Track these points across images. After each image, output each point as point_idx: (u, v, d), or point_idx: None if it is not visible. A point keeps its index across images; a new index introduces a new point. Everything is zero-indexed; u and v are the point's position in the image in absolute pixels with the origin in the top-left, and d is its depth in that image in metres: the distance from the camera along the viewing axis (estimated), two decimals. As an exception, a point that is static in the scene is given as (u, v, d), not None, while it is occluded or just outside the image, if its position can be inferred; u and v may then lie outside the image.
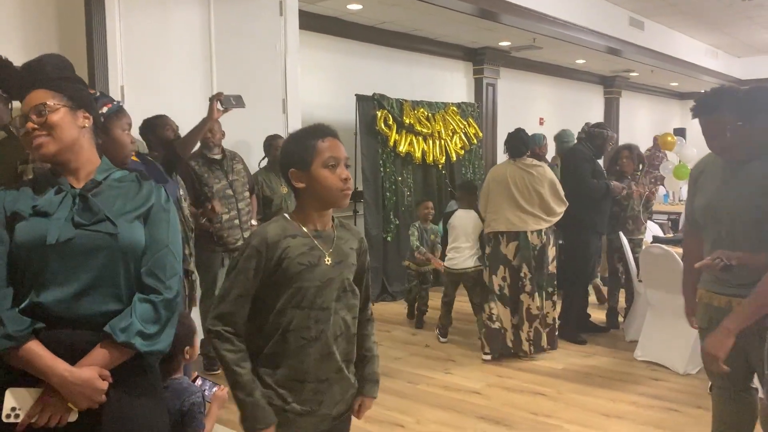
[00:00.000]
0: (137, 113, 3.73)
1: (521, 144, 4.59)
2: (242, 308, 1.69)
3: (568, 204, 4.60)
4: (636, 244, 5.28)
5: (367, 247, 1.92)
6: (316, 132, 1.75)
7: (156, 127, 3.68)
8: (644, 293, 4.78)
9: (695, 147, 9.95)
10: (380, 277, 6.67)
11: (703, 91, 12.87)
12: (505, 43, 8.61)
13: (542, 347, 4.60)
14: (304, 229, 1.74)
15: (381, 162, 6.75)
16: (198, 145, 3.88)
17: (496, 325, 4.56)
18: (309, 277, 1.70)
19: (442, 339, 5.14)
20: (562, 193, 4.59)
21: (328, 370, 1.75)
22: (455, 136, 7.52)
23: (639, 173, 5.27)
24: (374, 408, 3.79)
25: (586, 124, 5.21)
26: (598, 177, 4.93)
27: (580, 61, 10.40)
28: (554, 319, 4.70)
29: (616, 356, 4.65)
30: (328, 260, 1.73)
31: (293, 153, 1.74)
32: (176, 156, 3.37)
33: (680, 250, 4.39)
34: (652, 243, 4.84)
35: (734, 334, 2.15)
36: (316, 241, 1.74)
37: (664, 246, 4.34)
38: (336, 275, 1.75)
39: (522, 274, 4.49)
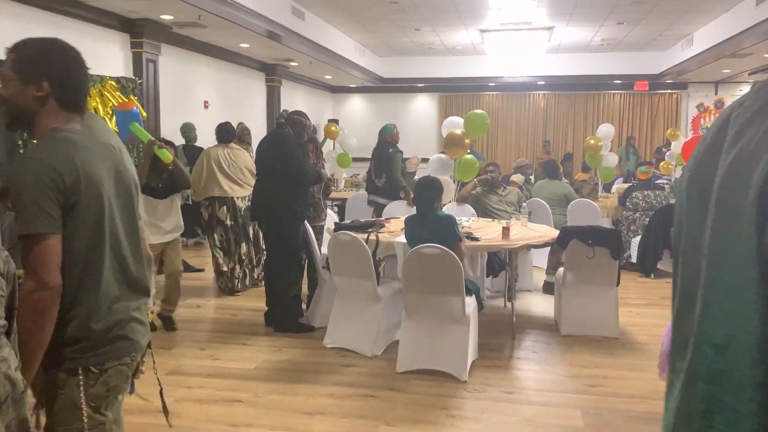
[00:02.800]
0: None
1: (227, 133, 6.31)
2: None
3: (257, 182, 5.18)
4: (318, 231, 5.30)
5: (15, 269, 1.31)
6: None
7: None
8: (330, 280, 4.80)
9: (355, 137, 10.68)
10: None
11: (351, 85, 13.82)
12: (167, 17, 7.90)
13: (253, 283, 6.20)
14: None
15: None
16: None
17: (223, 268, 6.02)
18: None
19: None
20: (254, 170, 5.59)
21: None
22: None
23: (322, 161, 5.29)
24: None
25: (284, 110, 5.06)
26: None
27: (245, 45, 10.21)
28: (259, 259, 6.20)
29: (306, 346, 4.57)
30: None
31: None
32: None
33: (365, 236, 4.52)
34: (335, 230, 4.87)
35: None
36: None
37: (351, 233, 4.38)
38: None
39: (234, 230, 6.04)
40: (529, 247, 4.79)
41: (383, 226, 5.04)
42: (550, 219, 6.98)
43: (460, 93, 15.63)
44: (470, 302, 4.03)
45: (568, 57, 14.22)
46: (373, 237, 4.54)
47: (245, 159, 6.14)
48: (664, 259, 7.14)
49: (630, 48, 13.52)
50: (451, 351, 3.95)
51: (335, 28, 11.74)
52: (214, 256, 6.09)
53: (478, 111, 5.93)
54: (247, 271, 6.18)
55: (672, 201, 7.44)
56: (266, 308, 5.10)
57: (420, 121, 16.07)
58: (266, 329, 4.96)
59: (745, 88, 14.56)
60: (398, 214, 6.03)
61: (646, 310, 5.65)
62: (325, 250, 5.20)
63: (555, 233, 5.05)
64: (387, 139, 6.88)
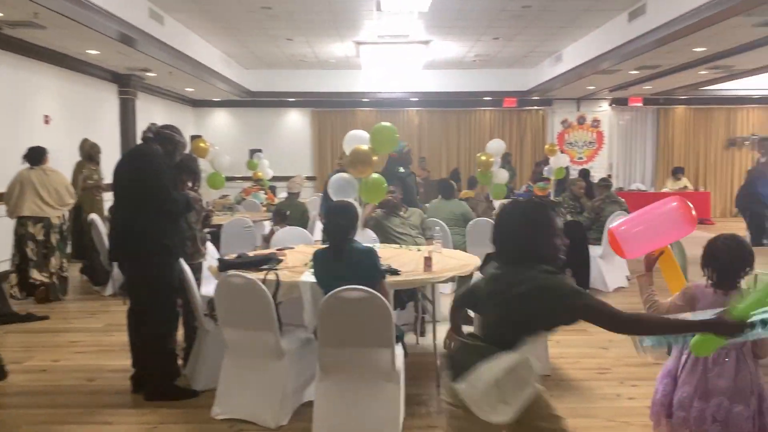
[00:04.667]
0: None
1: (37, 156, 6.56)
2: None
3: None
4: (195, 269, 4.36)
5: None
6: None
7: None
8: (215, 331, 3.89)
9: (228, 154, 9.65)
10: None
11: (215, 99, 12.81)
12: (-7, 13, 6.54)
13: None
14: None
15: None
16: None
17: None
18: None
19: None
20: (70, 189, 6.78)
21: None
22: None
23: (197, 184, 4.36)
24: None
25: (153, 124, 4.06)
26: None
27: (93, 52, 8.89)
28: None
29: (189, 420, 3.60)
30: None
31: None
32: None
33: (262, 275, 3.66)
34: (221, 269, 3.97)
35: None
36: None
37: (246, 274, 3.52)
38: None
39: (48, 245, 6.55)
40: (455, 278, 4.17)
41: (280, 260, 4.20)
42: (450, 241, 6.48)
43: (334, 108, 15.03)
44: (399, 352, 3.32)
45: (442, 73, 14.11)
46: (272, 276, 3.69)
47: (60, 180, 6.65)
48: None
49: (501, 65, 13.64)
50: (379, 415, 3.22)
51: (198, 35, 10.68)
52: (21, 271, 6.49)
53: (386, 124, 5.29)
54: (57, 282, 6.69)
55: (569, 218, 7.25)
56: (132, 369, 4.07)
57: (292, 137, 15.26)
58: (134, 398, 3.93)
59: (604, 105, 15.27)
60: (292, 242, 5.21)
61: (563, 338, 5.23)
62: (205, 291, 4.28)
63: (476, 260, 4.49)
64: (394, 155, 6.50)
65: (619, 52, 9.55)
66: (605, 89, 13.56)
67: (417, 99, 14.94)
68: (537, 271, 2.02)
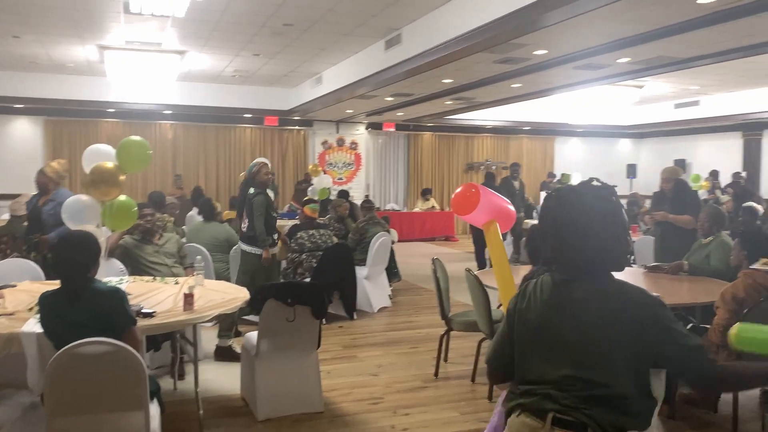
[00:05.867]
0: None
1: None
2: None
3: None
4: None
5: None
6: None
7: None
8: None
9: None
10: None
11: None
12: None
13: None
14: None
15: None
16: None
17: None
18: None
19: None
20: None
21: None
22: None
23: None
24: None
25: None
26: None
27: None
28: None
29: None
30: None
31: None
32: None
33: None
34: None
35: None
36: None
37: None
38: None
39: None
40: (222, 316, 3.72)
41: (-5, 304, 3.35)
42: (212, 269, 5.96)
43: (73, 118, 13.37)
44: (155, 412, 2.79)
45: (199, 86, 13.37)
46: (-19, 328, 2.89)
47: None
48: (333, 302, 6.77)
49: (262, 82, 13.36)
50: (129, 493, 2.65)
51: None
52: None
53: (136, 138, 4.57)
54: None
55: (335, 240, 7.17)
56: None
57: (19, 149, 13.21)
58: None
59: (361, 128, 15.83)
60: (15, 278, 4.26)
61: (333, 367, 5.06)
62: None
63: (244, 293, 4.08)
64: (246, 176, 6.12)
65: (376, 79, 9.87)
66: (363, 113, 14.03)
67: (171, 112, 13.96)
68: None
